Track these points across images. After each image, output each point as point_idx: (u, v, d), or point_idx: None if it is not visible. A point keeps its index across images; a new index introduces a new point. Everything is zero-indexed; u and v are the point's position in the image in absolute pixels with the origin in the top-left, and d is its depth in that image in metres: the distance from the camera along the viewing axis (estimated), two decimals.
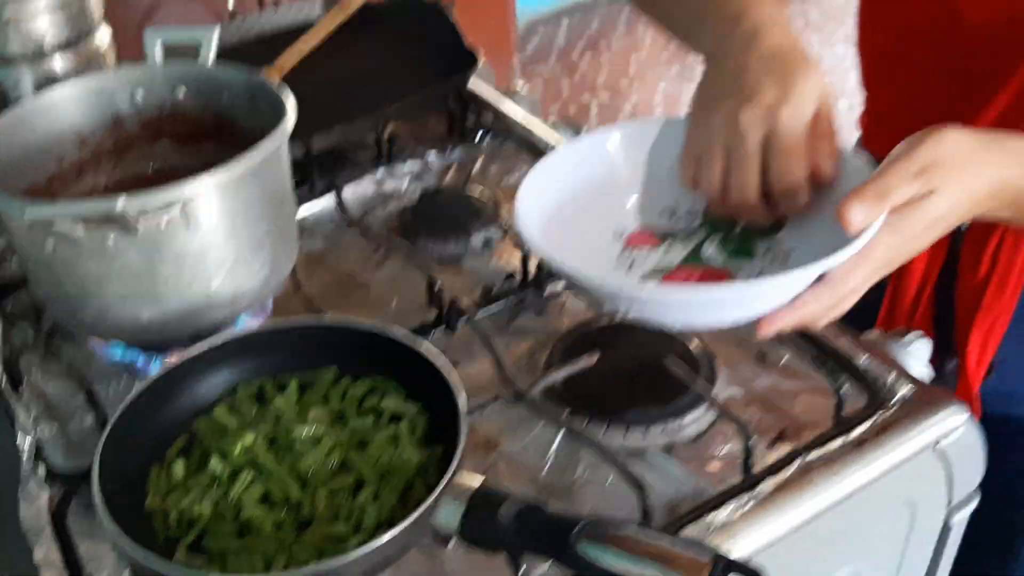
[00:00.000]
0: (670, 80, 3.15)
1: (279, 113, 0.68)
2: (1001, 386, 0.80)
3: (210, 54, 0.77)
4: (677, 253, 0.63)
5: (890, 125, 0.77)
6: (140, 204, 0.59)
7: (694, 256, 0.63)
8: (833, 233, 0.53)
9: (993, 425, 0.69)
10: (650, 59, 3.28)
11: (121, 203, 0.58)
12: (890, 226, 0.54)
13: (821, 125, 0.58)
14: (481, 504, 0.51)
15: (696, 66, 0.66)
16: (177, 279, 0.64)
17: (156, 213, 0.60)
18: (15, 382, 0.71)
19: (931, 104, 0.77)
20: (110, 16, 0.89)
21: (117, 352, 0.71)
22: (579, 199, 0.63)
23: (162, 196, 0.60)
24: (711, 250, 0.63)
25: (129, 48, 0.88)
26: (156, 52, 0.78)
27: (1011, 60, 0.71)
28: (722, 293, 0.56)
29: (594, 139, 0.66)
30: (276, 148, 0.67)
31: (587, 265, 0.58)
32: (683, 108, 0.64)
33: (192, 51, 0.78)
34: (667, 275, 0.61)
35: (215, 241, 0.65)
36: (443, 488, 0.51)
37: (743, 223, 0.62)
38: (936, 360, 0.74)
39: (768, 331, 0.55)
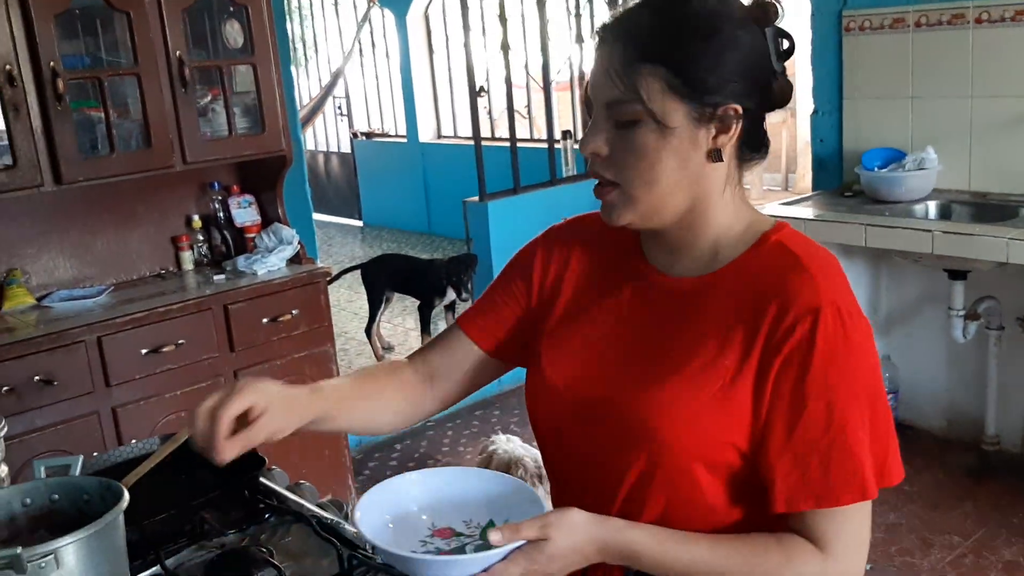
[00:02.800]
0: None
1: (118, 499, 1.13)
2: None
3: (77, 470, 1.22)
4: (450, 545, 1.05)
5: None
6: (30, 552, 1.01)
7: (458, 550, 1.04)
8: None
9: None
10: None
11: (19, 550, 0.99)
12: (524, 552, 0.96)
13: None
14: None
15: None
16: None
17: (38, 558, 1.02)
18: None
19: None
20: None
21: None
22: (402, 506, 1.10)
23: (43, 547, 1.02)
24: (468, 549, 1.04)
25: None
26: (40, 472, 1.23)
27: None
28: (439, 562, 0.98)
29: (410, 476, 1.15)
30: (114, 519, 1.10)
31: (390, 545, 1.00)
32: None
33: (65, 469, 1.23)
34: None
35: None
36: None
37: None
38: None
39: None
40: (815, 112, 3.88)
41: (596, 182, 1.09)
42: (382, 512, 1.09)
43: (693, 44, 1.00)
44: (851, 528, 1.01)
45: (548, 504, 1.03)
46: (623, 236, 1.16)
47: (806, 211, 3.44)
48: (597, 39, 1.06)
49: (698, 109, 1.01)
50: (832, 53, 3.70)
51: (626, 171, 1.04)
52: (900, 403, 3.78)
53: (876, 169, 3.44)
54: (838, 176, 3.80)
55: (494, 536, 0.95)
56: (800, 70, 9.19)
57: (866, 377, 1.01)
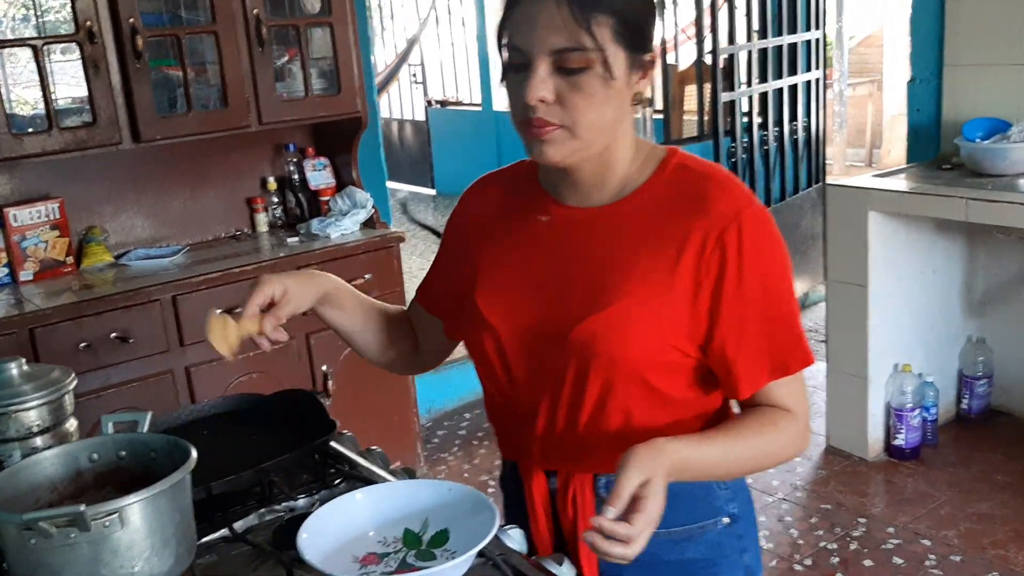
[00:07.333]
0: None
1: (185, 458, 1.08)
2: None
3: (145, 427, 1.18)
4: (392, 564, 1.08)
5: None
6: (94, 510, 0.96)
7: (403, 564, 1.07)
8: (474, 541, 1.00)
9: None
10: None
11: (83, 508, 0.95)
12: (640, 504, 0.98)
13: None
14: None
15: None
16: (111, 563, 0.99)
17: (103, 516, 0.97)
18: None
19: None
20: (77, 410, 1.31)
21: None
22: (337, 534, 1.10)
23: (107, 505, 0.98)
24: (411, 558, 1.08)
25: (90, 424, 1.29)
26: (108, 428, 1.19)
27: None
28: None
29: (346, 497, 1.15)
30: (181, 479, 1.05)
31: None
32: None
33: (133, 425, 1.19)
34: None
35: (138, 538, 1.01)
36: None
37: (427, 540, 1.11)
38: None
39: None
40: (912, 80, 3.68)
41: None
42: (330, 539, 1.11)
43: None
44: (800, 389, 1.17)
45: (496, 508, 1.09)
46: (528, 183, 1.25)
47: (899, 183, 3.27)
48: None
49: (634, 57, 1.10)
50: (933, 17, 3.50)
51: (574, 114, 1.08)
52: (994, 388, 3.59)
53: (978, 140, 3.25)
54: (934, 148, 3.60)
55: (609, 511, 0.97)
56: (888, 39, 8.86)
57: (785, 261, 1.15)
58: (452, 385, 4.14)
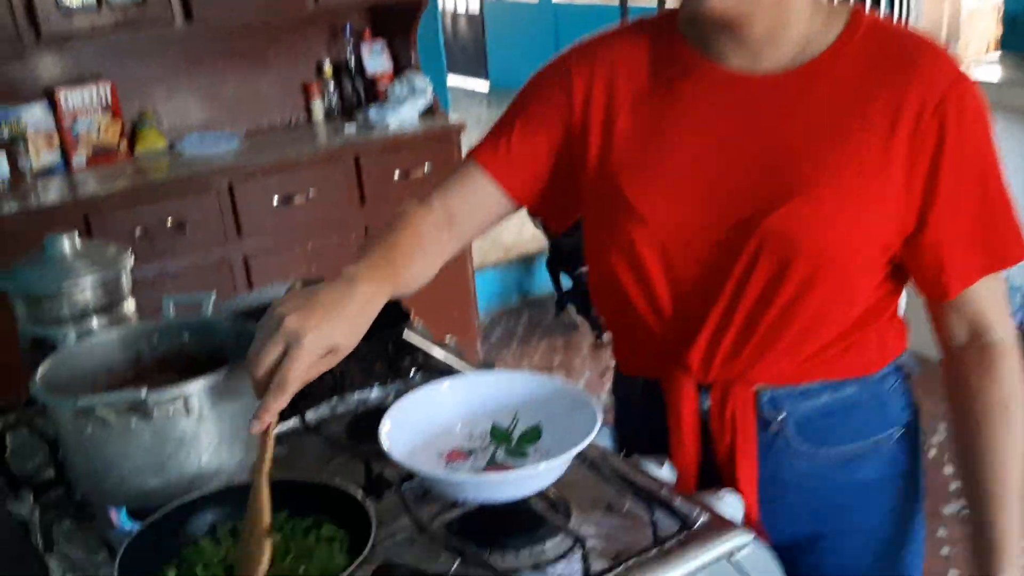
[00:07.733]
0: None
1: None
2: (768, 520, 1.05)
3: (209, 309, 1.08)
4: (480, 461, 0.96)
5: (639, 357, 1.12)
6: (156, 395, 0.87)
7: (492, 461, 0.96)
8: (572, 440, 0.89)
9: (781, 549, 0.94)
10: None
11: (144, 393, 0.86)
12: None
13: None
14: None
15: None
16: (177, 455, 0.90)
17: (166, 403, 0.88)
18: (48, 546, 0.94)
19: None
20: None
21: (125, 520, 0.95)
22: (421, 426, 0.99)
23: (171, 391, 0.88)
24: (500, 455, 0.96)
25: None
26: (170, 310, 1.09)
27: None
28: (510, 476, 0.90)
29: (431, 386, 1.04)
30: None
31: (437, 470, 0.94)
32: None
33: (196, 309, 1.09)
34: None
35: (206, 427, 0.92)
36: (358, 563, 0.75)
37: (517, 436, 0.97)
38: None
39: None
40: None
41: None
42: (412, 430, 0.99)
43: None
44: (1005, 293, 1.03)
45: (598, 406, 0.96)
46: (672, 42, 1.03)
47: (992, 73, 3.03)
48: None
49: None
50: None
51: None
52: None
53: None
54: None
55: None
56: None
57: (993, 135, 0.98)
58: (510, 283, 4.05)
